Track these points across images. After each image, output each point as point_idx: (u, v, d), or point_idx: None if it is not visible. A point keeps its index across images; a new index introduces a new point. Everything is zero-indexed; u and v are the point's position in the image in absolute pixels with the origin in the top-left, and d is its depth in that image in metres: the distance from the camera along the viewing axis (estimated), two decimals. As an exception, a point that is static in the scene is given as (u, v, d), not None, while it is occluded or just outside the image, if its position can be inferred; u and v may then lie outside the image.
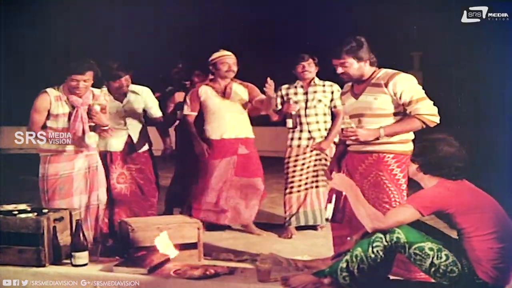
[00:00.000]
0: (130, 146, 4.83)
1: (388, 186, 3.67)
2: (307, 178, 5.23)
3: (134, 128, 4.85)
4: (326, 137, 5.23)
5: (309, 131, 5.23)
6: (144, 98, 4.90)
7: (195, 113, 5.18)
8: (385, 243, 3.02)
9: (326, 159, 5.23)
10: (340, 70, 3.73)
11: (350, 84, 3.89)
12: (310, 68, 5.26)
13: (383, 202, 3.65)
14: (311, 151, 5.22)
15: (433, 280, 3.09)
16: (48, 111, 4.17)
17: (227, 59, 5.12)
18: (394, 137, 3.65)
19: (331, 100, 5.26)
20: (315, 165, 5.25)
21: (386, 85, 3.63)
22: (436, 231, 3.15)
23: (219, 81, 5.17)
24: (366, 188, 3.67)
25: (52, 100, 4.17)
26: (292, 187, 5.22)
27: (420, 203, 3.00)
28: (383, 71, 3.72)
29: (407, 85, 3.61)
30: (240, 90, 5.19)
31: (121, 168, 4.80)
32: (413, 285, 3.39)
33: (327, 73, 4.66)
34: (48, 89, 4.21)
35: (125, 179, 4.80)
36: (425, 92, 3.68)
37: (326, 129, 5.26)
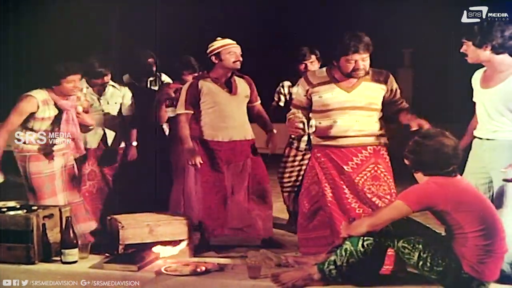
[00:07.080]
0: (104, 143, 4.77)
1: (388, 177, 3.73)
2: (297, 179, 4.98)
3: (110, 124, 4.81)
4: None
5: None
6: (122, 93, 4.86)
7: (192, 112, 4.36)
8: (375, 236, 3.03)
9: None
10: (361, 65, 3.62)
11: (323, 74, 3.78)
12: (313, 66, 4.77)
13: (384, 194, 3.68)
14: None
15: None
16: (33, 114, 4.11)
17: (233, 48, 4.33)
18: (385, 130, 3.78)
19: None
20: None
21: (385, 82, 3.76)
22: (425, 227, 3.15)
23: (221, 74, 4.37)
24: (363, 180, 3.68)
25: (39, 104, 4.09)
26: (285, 186, 5.06)
27: (410, 198, 3.01)
28: (371, 68, 3.73)
29: (396, 85, 3.83)
30: (242, 84, 4.47)
31: (92, 165, 4.76)
32: (401, 280, 3.39)
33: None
34: (34, 93, 4.11)
35: (94, 175, 4.76)
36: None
37: None
